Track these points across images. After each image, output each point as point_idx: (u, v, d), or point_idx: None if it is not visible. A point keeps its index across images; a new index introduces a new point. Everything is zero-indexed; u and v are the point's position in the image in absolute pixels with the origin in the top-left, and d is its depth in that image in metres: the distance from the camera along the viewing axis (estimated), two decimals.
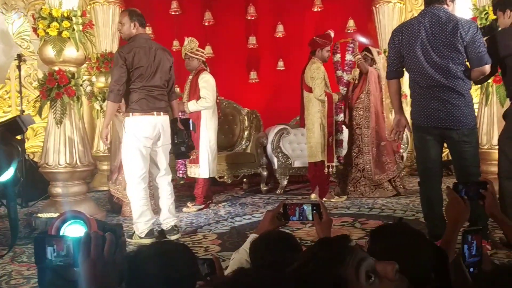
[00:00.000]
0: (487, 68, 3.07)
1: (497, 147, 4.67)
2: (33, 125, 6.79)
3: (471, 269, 1.33)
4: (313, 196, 5.38)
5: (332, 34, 5.31)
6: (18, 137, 4.39)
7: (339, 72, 5.47)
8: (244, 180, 6.40)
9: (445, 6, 3.09)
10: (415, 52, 3.08)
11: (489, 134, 4.83)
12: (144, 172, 3.71)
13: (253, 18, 7.17)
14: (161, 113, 3.77)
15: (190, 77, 5.11)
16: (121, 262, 1.10)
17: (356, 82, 5.61)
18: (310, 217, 1.79)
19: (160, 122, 3.76)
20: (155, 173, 3.90)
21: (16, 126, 4.04)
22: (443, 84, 3.02)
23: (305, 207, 1.79)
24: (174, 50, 6.86)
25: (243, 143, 6.64)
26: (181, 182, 5.95)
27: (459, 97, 3.03)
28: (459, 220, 1.62)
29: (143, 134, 3.67)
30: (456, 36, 2.98)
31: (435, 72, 3.03)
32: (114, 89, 3.57)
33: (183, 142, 4.02)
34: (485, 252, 1.40)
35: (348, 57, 5.46)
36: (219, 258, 1.62)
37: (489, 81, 4.78)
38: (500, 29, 3.31)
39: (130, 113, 3.68)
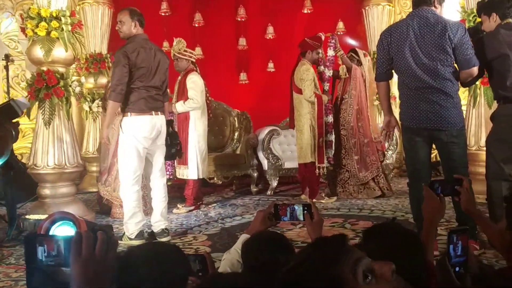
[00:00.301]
0: (475, 70, 3.11)
1: (485, 148, 4.76)
2: (21, 126, 6.73)
3: (457, 269, 1.34)
4: (303, 197, 5.39)
5: (323, 37, 5.34)
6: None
7: (321, 68, 5.45)
8: (234, 181, 6.39)
9: (433, 8, 3.12)
10: (404, 53, 3.11)
11: (477, 135, 4.88)
12: (139, 173, 3.69)
13: (243, 19, 7.17)
14: (159, 112, 3.75)
15: (179, 78, 5.10)
16: (113, 262, 1.09)
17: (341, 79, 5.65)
18: (301, 218, 1.79)
19: (159, 122, 3.74)
20: (149, 174, 3.87)
21: (10, 110, 3.97)
22: (432, 85, 3.05)
23: (296, 207, 1.79)
24: (164, 51, 6.83)
25: (233, 144, 6.63)
26: (169, 183, 5.92)
27: (447, 98, 3.07)
28: (434, 217, 1.66)
29: (142, 134, 3.64)
30: (445, 38, 3.01)
31: (423, 74, 3.06)
32: (117, 88, 3.53)
33: (176, 144, 4.01)
34: (471, 252, 1.40)
35: (330, 52, 5.44)
36: (210, 254, 1.62)
37: (477, 83, 4.82)
38: (485, 32, 3.35)
39: (129, 113, 3.64)
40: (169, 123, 3.96)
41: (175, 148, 4.01)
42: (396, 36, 3.15)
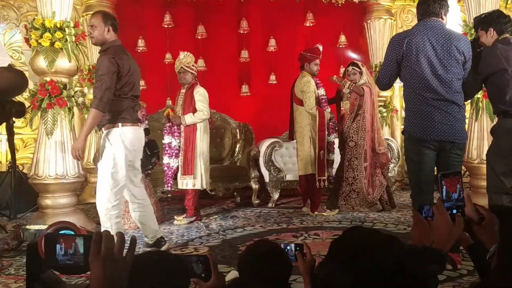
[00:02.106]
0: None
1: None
2: (22, 136, 6.74)
3: (454, 211, 1.32)
4: (304, 209, 5.37)
5: (321, 48, 5.35)
6: None
7: (322, 91, 5.41)
8: (235, 193, 6.38)
9: (441, 19, 3.12)
10: (421, 64, 3.04)
11: (479, 148, 4.87)
12: (122, 191, 3.51)
13: (245, 32, 7.21)
14: (139, 124, 3.62)
15: (183, 90, 5.11)
16: (130, 263, 1.09)
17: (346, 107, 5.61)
18: (293, 258, 1.75)
19: (142, 134, 3.62)
20: (132, 190, 3.66)
21: None
22: (446, 97, 3.05)
23: (288, 247, 1.75)
24: (167, 62, 6.87)
25: (235, 156, 6.63)
26: (169, 195, 5.91)
27: (460, 111, 3.09)
28: (421, 241, 1.58)
29: (133, 147, 3.48)
30: (459, 51, 3.03)
31: (439, 86, 3.03)
32: (104, 97, 3.26)
33: (156, 153, 3.93)
34: (467, 195, 1.37)
35: (321, 92, 5.37)
36: (212, 255, 1.60)
37: (479, 96, 4.84)
38: (482, 47, 3.36)
39: (120, 123, 3.41)
40: (147, 132, 3.85)
41: (155, 157, 3.91)
42: (412, 46, 3.06)
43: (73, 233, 1.44)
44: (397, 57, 3.12)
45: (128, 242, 1.07)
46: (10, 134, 4.08)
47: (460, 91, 3.09)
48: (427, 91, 3.06)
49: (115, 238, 1.04)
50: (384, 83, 3.29)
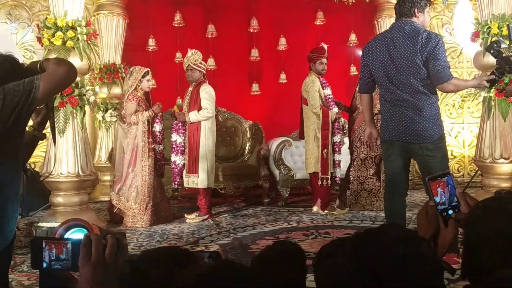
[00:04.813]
0: (447, 86, 3.04)
1: (499, 161, 4.71)
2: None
3: (450, 212, 1.31)
4: (315, 208, 5.35)
5: (326, 47, 5.35)
6: None
7: (328, 91, 5.37)
8: (245, 192, 6.38)
9: (414, 18, 3.11)
10: (379, 67, 3.14)
11: (491, 148, 4.82)
12: None
13: (255, 31, 7.20)
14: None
15: (190, 88, 5.12)
16: (122, 266, 1.09)
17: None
18: None
19: None
20: None
21: None
22: (405, 98, 3.06)
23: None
24: (177, 62, 6.89)
25: (245, 154, 6.63)
26: (176, 193, 5.92)
27: (420, 112, 3.06)
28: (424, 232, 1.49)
29: None
30: (415, 50, 3.01)
31: (396, 87, 3.08)
32: None
33: None
34: (459, 193, 1.35)
35: (327, 91, 5.34)
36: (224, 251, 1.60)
37: (491, 95, 4.79)
38: None
39: None
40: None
41: None
42: (373, 49, 3.19)
43: (85, 230, 1.44)
44: (364, 61, 3.27)
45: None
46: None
47: (424, 91, 3.05)
48: (387, 93, 3.15)
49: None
50: (360, 84, 3.40)
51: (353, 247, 1.06)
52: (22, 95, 1.79)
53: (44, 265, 1.07)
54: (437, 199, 1.32)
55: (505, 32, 4.44)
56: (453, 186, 1.34)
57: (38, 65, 1.93)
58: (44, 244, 1.07)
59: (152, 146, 4.89)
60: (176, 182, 5.10)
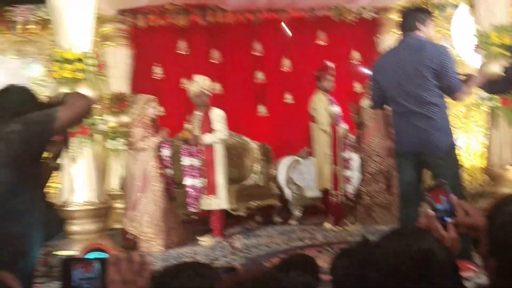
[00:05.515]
0: (460, 96, 3.18)
1: (509, 167, 4.71)
2: None
3: (446, 218, 1.33)
4: (327, 225, 5.36)
5: (330, 64, 5.47)
6: None
7: (335, 108, 5.45)
8: (257, 212, 6.40)
9: (417, 32, 3.20)
10: (388, 83, 3.23)
11: (500, 156, 4.82)
12: None
13: (259, 53, 7.33)
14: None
15: (198, 112, 5.21)
16: (147, 283, 1.13)
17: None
18: None
19: None
20: None
21: None
22: (415, 111, 3.13)
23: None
24: (183, 88, 6.99)
25: (255, 175, 6.67)
26: (192, 216, 5.94)
27: (430, 123, 3.12)
28: None
29: None
30: (422, 63, 3.08)
31: (405, 101, 3.15)
32: None
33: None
34: (455, 200, 1.38)
35: (334, 109, 5.41)
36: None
37: (497, 104, 4.82)
38: None
39: None
40: None
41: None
42: (381, 65, 3.32)
43: (105, 255, 1.48)
44: (375, 77, 3.39)
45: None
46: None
47: (434, 102, 3.12)
48: (397, 106, 3.22)
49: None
50: (374, 100, 3.48)
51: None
52: (42, 126, 1.87)
53: (73, 284, 1.12)
54: (440, 206, 1.36)
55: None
56: (448, 196, 1.38)
57: (58, 99, 2.03)
58: (72, 264, 1.12)
59: (162, 171, 4.96)
60: (194, 205, 5.13)
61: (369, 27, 7.36)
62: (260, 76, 7.40)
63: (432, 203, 1.35)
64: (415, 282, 1.01)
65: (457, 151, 3.35)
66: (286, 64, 7.42)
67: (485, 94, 4.96)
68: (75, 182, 4.40)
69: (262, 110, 7.43)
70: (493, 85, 4.08)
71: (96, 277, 1.10)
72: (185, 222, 6.03)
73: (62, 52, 4.39)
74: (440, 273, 1.03)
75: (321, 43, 7.41)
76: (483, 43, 4.73)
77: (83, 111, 2.04)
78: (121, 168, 6.53)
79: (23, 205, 1.91)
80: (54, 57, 4.42)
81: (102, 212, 4.64)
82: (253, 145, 6.76)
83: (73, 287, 1.11)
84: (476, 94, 5.15)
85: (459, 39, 5.98)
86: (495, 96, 4.75)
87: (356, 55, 7.47)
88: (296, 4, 5.86)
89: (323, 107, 5.26)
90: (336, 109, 5.41)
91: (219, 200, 5.00)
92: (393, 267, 1.03)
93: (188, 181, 5.13)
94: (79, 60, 4.42)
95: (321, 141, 5.29)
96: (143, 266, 1.12)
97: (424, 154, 3.15)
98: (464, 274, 1.35)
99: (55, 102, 2.04)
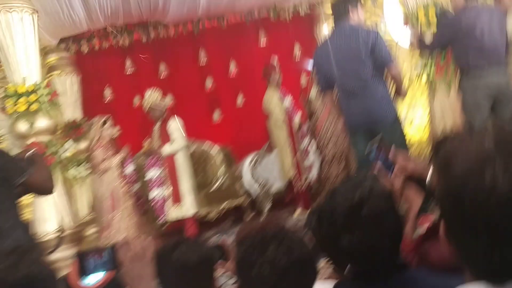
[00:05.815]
0: (393, 67, 3.50)
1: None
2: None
3: (390, 168, 1.60)
4: (297, 212, 5.59)
5: (272, 60, 5.72)
6: None
7: (287, 102, 5.71)
8: (230, 212, 6.56)
9: (350, 18, 3.51)
10: (330, 68, 3.52)
11: (442, 125, 5.13)
12: None
13: (206, 62, 7.51)
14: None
15: (156, 126, 5.35)
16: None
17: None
18: None
19: None
20: None
21: None
22: (357, 89, 3.46)
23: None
24: (136, 106, 7.10)
25: (220, 179, 6.82)
26: (163, 228, 6.03)
27: (373, 96, 3.45)
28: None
29: None
30: (358, 46, 3.39)
31: (347, 81, 3.46)
32: None
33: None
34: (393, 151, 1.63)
35: (286, 103, 5.71)
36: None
37: (431, 79, 5.12)
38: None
39: None
40: None
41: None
42: (321, 55, 3.61)
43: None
44: (314, 65, 3.75)
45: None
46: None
47: (372, 78, 3.43)
48: (340, 88, 3.57)
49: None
50: (319, 84, 3.82)
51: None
52: (17, 169, 2.04)
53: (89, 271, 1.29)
54: (383, 158, 1.60)
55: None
56: (391, 147, 1.63)
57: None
58: (86, 254, 1.30)
59: (129, 187, 5.07)
60: (162, 216, 5.26)
61: (307, 22, 7.68)
62: (210, 83, 7.58)
63: (378, 156, 1.59)
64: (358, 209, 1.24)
65: (401, 123, 3.66)
66: (234, 68, 7.62)
67: (420, 63, 5.18)
68: (44, 211, 4.43)
69: (217, 115, 7.61)
70: (425, 43, 4.37)
71: (108, 260, 1.28)
72: (163, 234, 6.12)
73: (15, 87, 4.42)
74: (378, 203, 1.25)
75: (264, 43, 7.67)
76: (412, 21, 5.06)
77: (48, 184, 2.24)
78: (88, 193, 6.54)
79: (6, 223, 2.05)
80: (7, 93, 4.44)
81: (75, 237, 4.68)
82: (214, 149, 6.92)
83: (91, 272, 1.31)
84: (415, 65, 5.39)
85: (392, 22, 6.34)
86: (431, 66, 5.01)
87: (298, 50, 7.77)
88: (232, 7, 6.05)
89: (276, 102, 5.51)
90: (289, 100, 5.67)
91: (186, 207, 5.14)
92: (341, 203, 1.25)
93: (154, 192, 5.26)
94: (33, 91, 4.46)
95: (279, 135, 5.53)
96: (148, 244, 1.33)
97: (372, 128, 3.42)
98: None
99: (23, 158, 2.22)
